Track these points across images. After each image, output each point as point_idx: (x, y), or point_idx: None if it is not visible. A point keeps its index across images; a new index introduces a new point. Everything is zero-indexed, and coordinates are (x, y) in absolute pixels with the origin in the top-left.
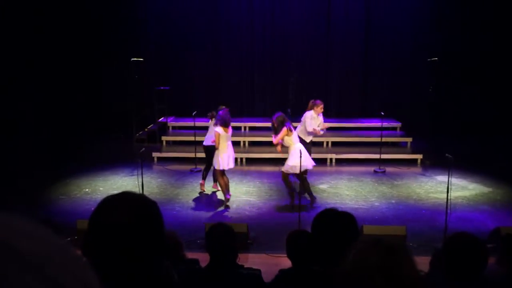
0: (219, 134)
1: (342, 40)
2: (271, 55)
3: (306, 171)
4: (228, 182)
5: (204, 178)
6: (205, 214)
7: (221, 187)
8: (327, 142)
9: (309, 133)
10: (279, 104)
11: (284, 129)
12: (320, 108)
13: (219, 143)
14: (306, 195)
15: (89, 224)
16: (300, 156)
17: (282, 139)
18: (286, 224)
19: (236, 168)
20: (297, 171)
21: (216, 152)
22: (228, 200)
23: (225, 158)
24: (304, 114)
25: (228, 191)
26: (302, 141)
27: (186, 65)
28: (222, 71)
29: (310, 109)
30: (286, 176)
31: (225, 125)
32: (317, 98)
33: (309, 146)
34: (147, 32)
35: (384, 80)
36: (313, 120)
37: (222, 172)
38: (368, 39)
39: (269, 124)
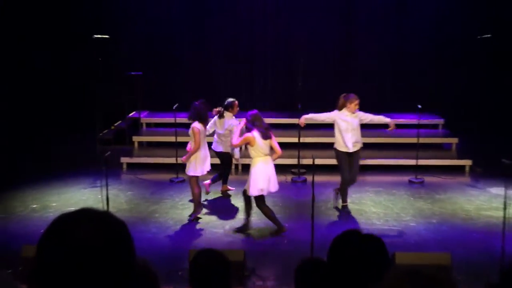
0: (199, 131)
1: (366, 20)
2: (275, 34)
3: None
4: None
5: (225, 182)
6: (189, 238)
7: (195, 197)
8: None
9: (347, 141)
10: (285, 94)
11: (248, 136)
12: (354, 104)
13: (199, 142)
14: (244, 217)
15: (38, 251)
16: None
17: (245, 146)
18: (294, 251)
19: (231, 178)
20: (264, 193)
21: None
22: (197, 217)
23: (201, 162)
24: (331, 114)
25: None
26: (340, 152)
27: (165, 44)
28: (212, 53)
29: (342, 108)
30: (255, 201)
31: (202, 119)
32: (349, 93)
33: (351, 159)
34: (115, 3)
35: (420, 66)
36: (344, 122)
37: (197, 179)
38: (399, 17)
39: (274, 120)
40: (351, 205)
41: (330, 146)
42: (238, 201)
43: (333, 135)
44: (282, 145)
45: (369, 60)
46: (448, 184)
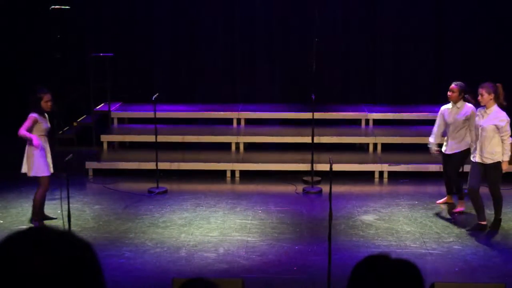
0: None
1: None
2: (282, 9)
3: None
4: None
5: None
6: (173, 264)
7: (36, 207)
8: (375, 145)
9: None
10: (297, 83)
11: (31, 117)
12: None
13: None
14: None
15: None
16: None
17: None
18: (305, 281)
19: (226, 188)
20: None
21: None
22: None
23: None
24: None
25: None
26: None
27: (143, 18)
28: (201, 31)
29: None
30: None
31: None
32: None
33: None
34: None
35: (469, 48)
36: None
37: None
38: None
39: (280, 115)
40: (378, 223)
41: (351, 147)
42: (235, 217)
43: (355, 134)
44: (292, 145)
45: (400, 39)
46: (503, 197)
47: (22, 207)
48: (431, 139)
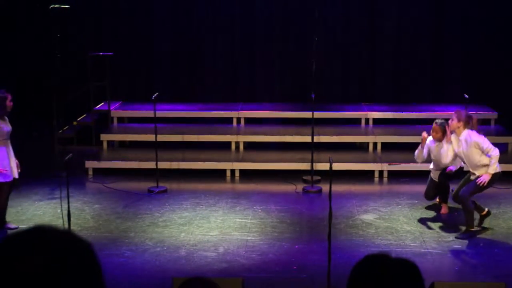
0: None
1: None
2: (282, 7)
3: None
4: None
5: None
6: (173, 263)
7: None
8: (375, 145)
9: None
10: (297, 82)
11: None
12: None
13: None
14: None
15: None
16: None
17: None
18: (305, 280)
19: (225, 187)
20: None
21: None
22: None
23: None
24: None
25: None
26: None
27: (142, 17)
28: (201, 29)
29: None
30: None
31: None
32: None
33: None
34: None
35: (469, 48)
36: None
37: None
38: None
39: (280, 114)
40: (378, 222)
41: (351, 147)
42: (235, 217)
43: (355, 133)
44: (292, 145)
45: (400, 39)
46: (502, 195)
47: (22, 206)
48: None
